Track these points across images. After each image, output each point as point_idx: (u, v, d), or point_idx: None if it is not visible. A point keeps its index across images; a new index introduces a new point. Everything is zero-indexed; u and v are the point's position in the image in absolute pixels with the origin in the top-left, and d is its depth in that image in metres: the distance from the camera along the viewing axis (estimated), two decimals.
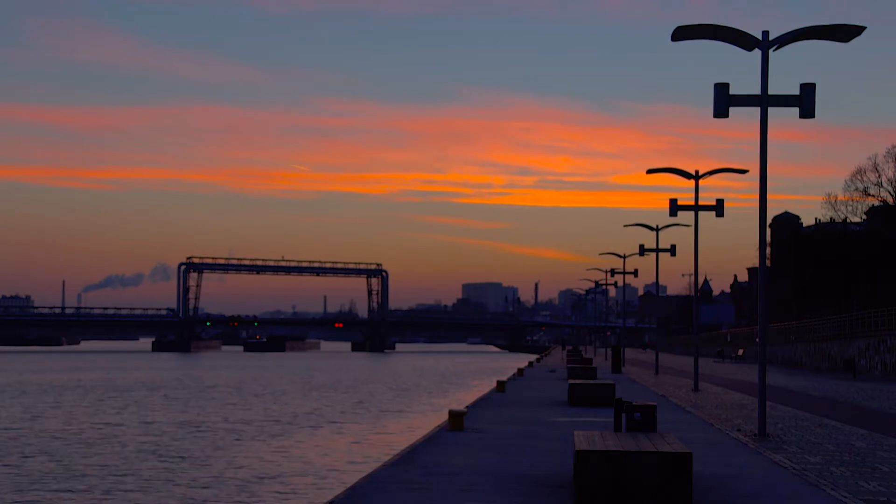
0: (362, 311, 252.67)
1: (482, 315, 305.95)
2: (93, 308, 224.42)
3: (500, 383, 36.56)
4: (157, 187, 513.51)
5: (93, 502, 21.48)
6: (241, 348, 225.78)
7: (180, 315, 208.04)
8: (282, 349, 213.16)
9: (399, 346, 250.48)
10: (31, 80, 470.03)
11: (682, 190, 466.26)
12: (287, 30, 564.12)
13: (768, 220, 67.48)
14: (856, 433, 19.98)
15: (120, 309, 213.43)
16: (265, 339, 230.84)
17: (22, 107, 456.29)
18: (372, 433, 36.90)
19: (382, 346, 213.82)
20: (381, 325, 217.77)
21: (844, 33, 18.55)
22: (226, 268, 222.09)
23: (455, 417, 20.46)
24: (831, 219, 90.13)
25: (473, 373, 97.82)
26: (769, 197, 20.07)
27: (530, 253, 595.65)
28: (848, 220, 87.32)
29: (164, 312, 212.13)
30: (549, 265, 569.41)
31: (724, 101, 19.05)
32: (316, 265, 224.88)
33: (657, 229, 50.39)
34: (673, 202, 35.09)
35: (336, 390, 65.80)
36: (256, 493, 22.44)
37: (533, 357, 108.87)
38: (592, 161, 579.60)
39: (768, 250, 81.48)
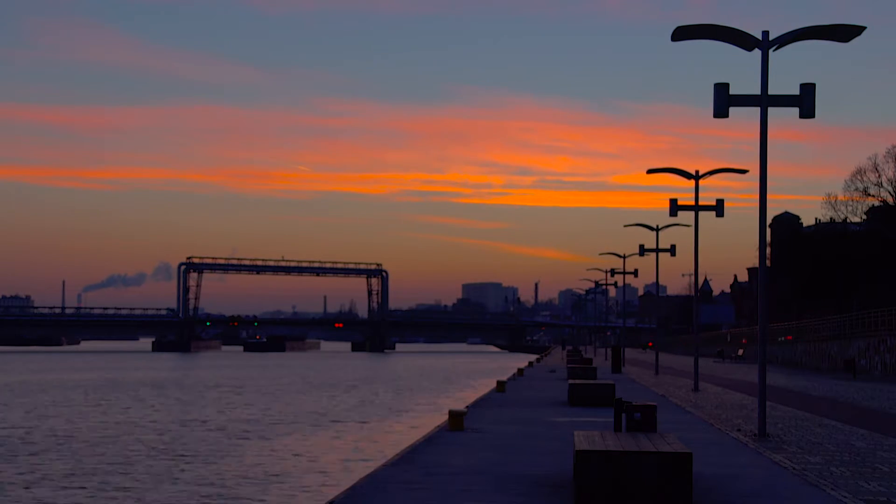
0: (362, 311, 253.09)
1: (482, 315, 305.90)
2: (93, 308, 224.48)
3: (500, 383, 36.57)
4: (157, 187, 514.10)
5: (92, 502, 21.49)
6: (241, 348, 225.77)
7: (180, 315, 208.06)
8: (282, 349, 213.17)
9: (399, 346, 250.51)
10: (31, 80, 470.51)
11: (682, 190, 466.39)
12: (287, 30, 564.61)
13: (768, 220, 67.51)
14: (856, 433, 19.98)
15: (120, 309, 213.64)
16: (265, 340, 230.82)
17: (22, 107, 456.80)
18: (372, 433, 36.90)
19: (382, 346, 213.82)
20: (381, 325, 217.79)
21: (844, 33, 18.55)
22: (226, 268, 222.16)
23: (455, 417, 20.46)
24: (831, 219, 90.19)
25: (473, 373, 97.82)
26: (769, 197, 20.09)
27: (530, 253, 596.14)
28: (848, 220, 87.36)
29: (164, 312, 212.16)
30: (549, 265, 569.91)
31: (724, 101, 19.06)
32: (316, 265, 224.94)
33: (657, 229, 50.40)
34: (673, 202, 35.10)
35: (336, 390, 65.79)
36: (256, 492, 22.43)
37: (533, 357, 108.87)
38: (592, 161, 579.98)
39: (768, 250, 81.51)
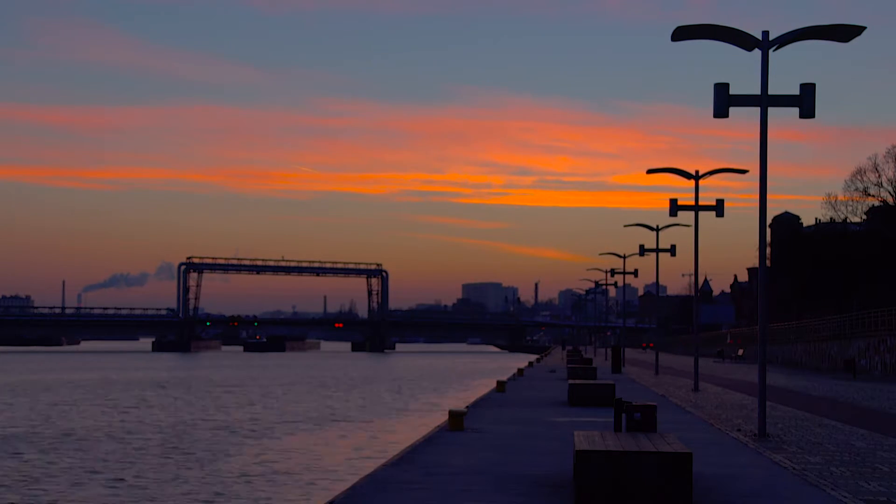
0: (362, 312, 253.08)
1: (482, 315, 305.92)
2: (93, 308, 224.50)
3: (500, 383, 36.57)
4: (157, 187, 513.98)
5: (90, 501, 21.50)
6: (241, 348, 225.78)
7: (180, 315, 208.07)
8: (282, 349, 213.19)
9: (399, 346, 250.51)
10: (31, 80, 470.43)
11: (682, 190, 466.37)
12: (287, 30, 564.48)
13: (768, 220, 67.50)
14: (856, 433, 19.98)
15: (120, 309, 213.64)
16: (265, 340, 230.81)
17: (22, 107, 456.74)
18: (372, 433, 36.90)
19: (382, 346, 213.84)
20: (381, 325, 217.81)
21: (844, 33, 18.55)
22: (226, 268, 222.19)
23: (455, 417, 20.46)
24: (831, 219, 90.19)
25: (473, 373, 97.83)
26: (769, 197, 20.09)
27: (530, 253, 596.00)
28: (848, 220, 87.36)
29: (164, 312, 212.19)
30: (549, 265, 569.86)
31: (724, 101, 19.06)
32: (316, 265, 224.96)
33: (657, 229, 50.40)
34: (673, 202, 35.11)
35: (336, 390, 65.80)
36: (256, 493, 22.44)
37: (533, 357, 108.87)
38: (592, 161, 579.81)
39: (768, 250, 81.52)
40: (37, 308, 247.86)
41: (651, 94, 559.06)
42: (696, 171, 35.20)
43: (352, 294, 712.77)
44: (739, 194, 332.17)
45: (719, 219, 35.04)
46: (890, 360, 52.22)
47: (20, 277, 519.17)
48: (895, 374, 51.10)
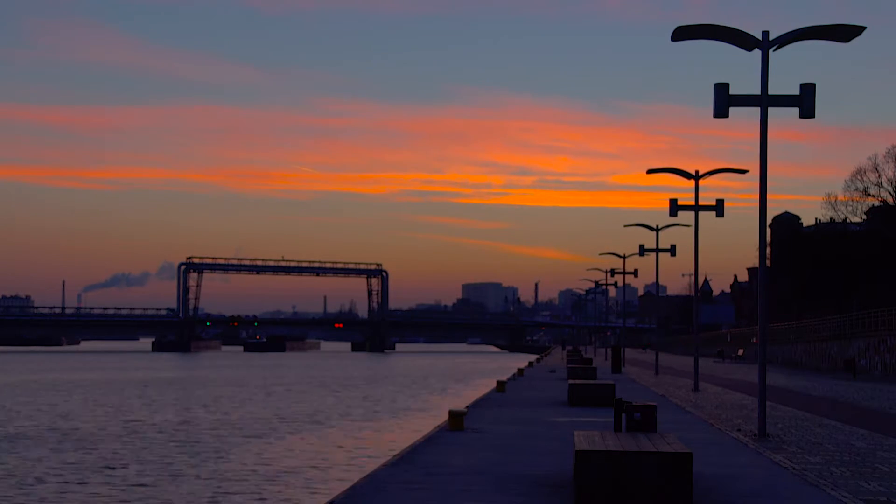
0: (362, 312, 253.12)
1: (482, 315, 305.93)
2: (93, 308, 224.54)
3: (500, 383, 36.57)
4: (157, 187, 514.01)
5: (89, 501, 21.51)
6: (241, 348, 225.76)
7: (180, 315, 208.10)
8: (282, 349, 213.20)
9: (399, 346, 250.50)
10: (31, 80, 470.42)
11: (682, 190, 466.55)
12: (287, 30, 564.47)
13: (768, 220, 67.53)
14: (856, 433, 19.98)
15: (120, 309, 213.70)
16: (265, 340, 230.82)
17: (22, 107, 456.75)
18: (372, 433, 36.91)
19: (382, 346, 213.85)
20: (381, 325, 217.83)
21: (844, 33, 18.55)
22: (226, 268, 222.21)
23: (455, 417, 20.46)
24: (831, 219, 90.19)
25: (473, 373, 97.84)
26: (769, 197, 20.09)
27: (530, 253, 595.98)
28: (848, 220, 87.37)
29: (164, 312, 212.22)
30: (549, 265, 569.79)
31: (724, 101, 19.06)
32: (316, 265, 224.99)
33: (657, 229, 50.40)
34: (673, 202, 35.11)
35: (336, 390, 65.81)
36: (256, 492, 22.44)
37: (533, 357, 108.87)
38: (592, 161, 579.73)
39: (768, 250, 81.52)
40: (37, 308, 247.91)
41: (651, 94, 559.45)
42: (696, 171, 35.21)
43: (352, 294, 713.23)
44: (739, 194, 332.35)
45: (719, 219, 35.06)
46: (890, 360, 52.22)
47: (20, 277, 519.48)
48: (895, 374, 51.10)
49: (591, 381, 30.49)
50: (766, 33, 19.02)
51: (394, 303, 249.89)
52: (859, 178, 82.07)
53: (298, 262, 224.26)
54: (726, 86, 19.06)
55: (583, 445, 11.63)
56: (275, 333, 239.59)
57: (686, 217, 43.09)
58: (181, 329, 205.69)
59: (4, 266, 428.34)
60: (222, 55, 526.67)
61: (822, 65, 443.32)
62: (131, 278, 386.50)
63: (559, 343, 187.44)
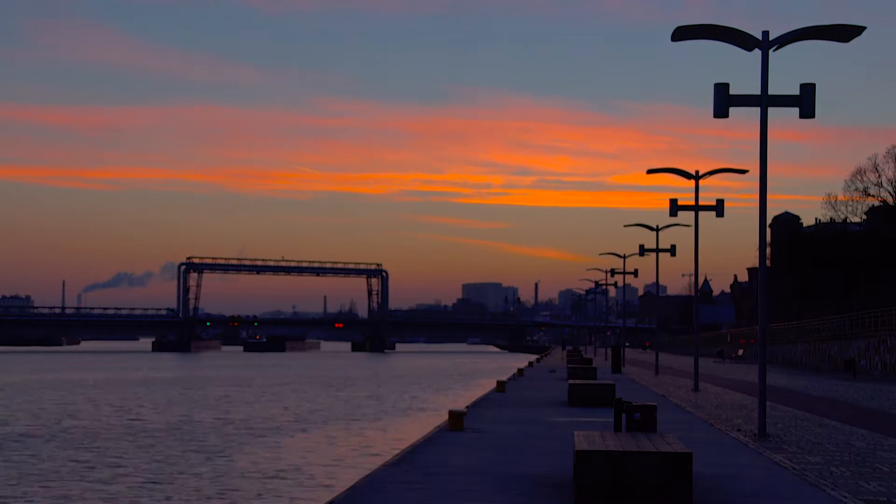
0: (362, 312, 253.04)
1: (482, 315, 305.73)
2: (93, 308, 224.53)
3: (500, 383, 36.57)
4: (157, 187, 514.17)
5: (91, 499, 21.52)
6: (241, 348, 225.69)
7: (180, 315, 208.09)
8: (282, 349, 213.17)
9: (399, 346, 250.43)
10: (31, 80, 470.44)
11: (682, 190, 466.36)
12: (287, 30, 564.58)
13: (768, 220, 67.49)
14: (856, 433, 19.98)
15: (120, 309, 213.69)
16: (265, 340, 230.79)
17: (22, 107, 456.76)
18: (372, 433, 36.90)
19: (382, 346, 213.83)
20: (381, 325, 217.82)
21: (844, 33, 18.55)
22: (226, 268, 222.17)
23: (455, 417, 20.46)
24: (831, 219, 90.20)
25: (473, 373, 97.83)
26: (769, 197, 20.09)
27: (530, 253, 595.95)
28: (848, 220, 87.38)
29: (164, 313, 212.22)
30: (549, 265, 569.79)
31: (724, 101, 19.06)
32: (316, 265, 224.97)
33: (657, 229, 50.40)
34: (673, 202, 35.12)
35: (336, 390, 65.81)
36: (256, 492, 22.44)
37: (533, 357, 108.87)
38: (591, 161, 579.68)
39: (768, 250, 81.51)
40: (37, 308, 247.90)
41: (651, 94, 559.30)
42: (696, 171, 35.21)
43: (352, 294, 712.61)
44: (739, 194, 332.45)
45: (719, 219, 35.07)
46: (890, 360, 52.21)
47: (20, 277, 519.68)
48: (895, 374, 51.10)
49: (591, 381, 30.49)
50: (766, 33, 19.02)
51: (394, 303, 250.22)
52: (859, 178, 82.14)
53: (298, 262, 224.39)
54: (726, 86, 19.06)
55: (583, 445, 11.63)
56: (275, 333, 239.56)
57: (686, 217, 43.11)
58: (181, 329, 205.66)
59: (4, 266, 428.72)
60: (222, 55, 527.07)
61: (822, 65, 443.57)
62: (133, 278, 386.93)
63: (559, 343, 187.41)
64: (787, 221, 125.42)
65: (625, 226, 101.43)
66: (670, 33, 18.96)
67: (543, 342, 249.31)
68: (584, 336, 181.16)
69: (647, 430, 14.80)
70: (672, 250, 51.01)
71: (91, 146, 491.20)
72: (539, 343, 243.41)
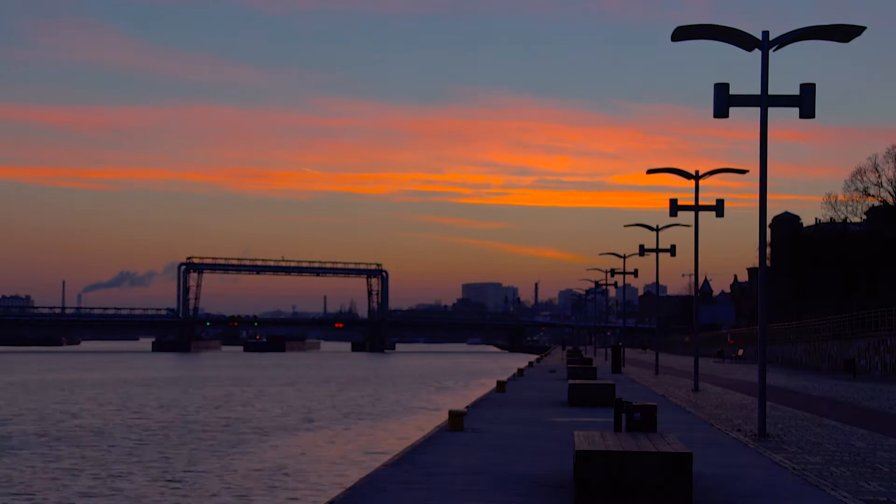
0: (362, 312, 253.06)
1: (482, 315, 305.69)
2: (93, 308, 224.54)
3: (500, 383, 36.54)
4: (157, 187, 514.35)
5: (91, 499, 21.52)
6: (241, 348, 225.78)
7: (180, 315, 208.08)
8: (282, 349, 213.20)
9: (399, 346, 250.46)
10: (31, 80, 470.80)
11: (682, 190, 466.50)
12: (287, 30, 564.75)
13: (768, 220, 67.46)
14: (856, 433, 19.98)
15: (120, 309, 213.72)
16: (265, 339, 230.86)
17: (22, 107, 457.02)
18: (372, 433, 36.90)
19: (382, 346, 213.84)
20: (381, 325, 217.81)
21: (844, 33, 18.55)
22: (226, 268, 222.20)
23: (455, 417, 20.45)
24: (831, 219, 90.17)
25: (473, 373, 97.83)
26: (769, 197, 20.07)
27: (530, 253, 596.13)
28: (848, 220, 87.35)
29: (164, 313, 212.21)
30: (549, 265, 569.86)
31: (724, 101, 19.05)
32: (316, 265, 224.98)
33: (657, 229, 50.38)
34: (673, 202, 35.10)
35: (336, 390, 65.81)
36: (256, 493, 22.43)
37: (533, 357, 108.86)
38: (591, 161, 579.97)
39: (768, 250, 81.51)
40: (37, 308, 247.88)
41: (651, 94, 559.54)
42: (696, 171, 35.19)
43: (352, 294, 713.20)
44: (739, 194, 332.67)
45: (719, 219, 35.04)
46: (890, 360, 52.20)
47: (20, 277, 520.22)
48: (895, 374, 51.09)
49: (591, 381, 30.48)
50: (766, 33, 19.01)
51: (394, 303, 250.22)
52: (859, 178, 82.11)
53: (298, 262, 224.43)
54: (726, 86, 19.06)
55: (583, 445, 11.63)
56: (275, 333, 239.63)
57: (686, 217, 43.09)
58: (181, 329, 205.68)
59: (4, 266, 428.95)
60: (222, 55, 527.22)
61: (822, 65, 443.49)
62: (136, 278, 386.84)
63: (559, 343, 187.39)
64: (787, 221, 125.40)
65: (625, 226, 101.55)
66: (670, 33, 18.95)
67: (543, 342, 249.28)
68: (584, 336, 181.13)
69: (647, 430, 14.79)
70: (672, 250, 50.99)
71: (91, 146, 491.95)
72: (539, 343, 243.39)
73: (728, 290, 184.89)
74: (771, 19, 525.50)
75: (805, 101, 18.89)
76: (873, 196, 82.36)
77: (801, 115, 18.96)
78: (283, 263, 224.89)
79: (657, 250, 51.25)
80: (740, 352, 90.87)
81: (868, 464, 15.07)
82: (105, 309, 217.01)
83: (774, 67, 19.04)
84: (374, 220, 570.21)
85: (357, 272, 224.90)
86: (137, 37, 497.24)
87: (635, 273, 73.09)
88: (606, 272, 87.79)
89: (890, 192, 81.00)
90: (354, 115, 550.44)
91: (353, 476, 21.31)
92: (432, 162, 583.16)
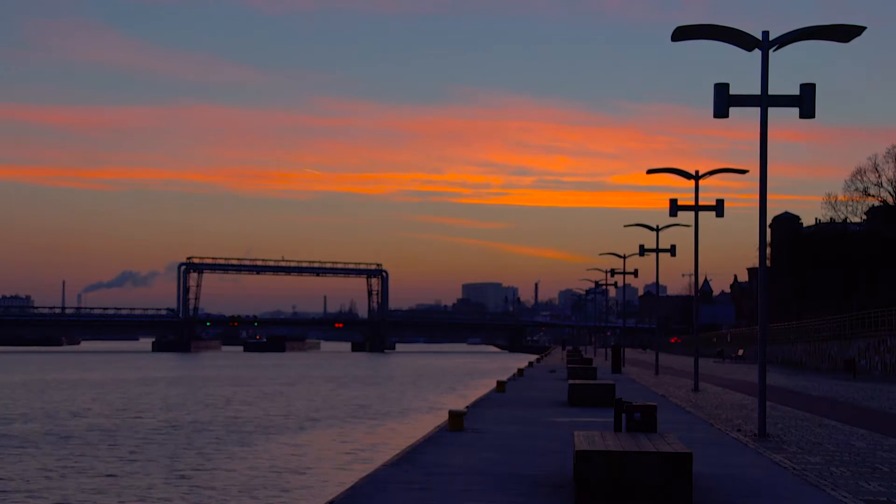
0: (362, 312, 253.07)
1: (482, 315, 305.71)
2: (93, 308, 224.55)
3: (500, 383, 36.54)
4: (157, 187, 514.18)
5: (93, 499, 21.52)
6: (241, 348, 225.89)
7: (180, 315, 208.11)
8: (282, 349, 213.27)
9: (399, 347, 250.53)
10: (31, 80, 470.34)
11: (682, 190, 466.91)
12: (286, 30, 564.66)
13: (768, 220, 67.47)
14: (856, 433, 19.98)
15: (120, 309, 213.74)
16: (265, 339, 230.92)
17: (22, 107, 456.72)
18: (372, 433, 36.91)
19: (382, 346, 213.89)
20: (381, 325, 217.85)
21: (844, 33, 18.55)
22: (226, 268, 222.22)
23: (455, 417, 20.45)
24: (831, 219, 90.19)
25: (473, 373, 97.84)
26: (769, 197, 20.07)
27: (530, 253, 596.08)
28: (848, 220, 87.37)
29: (164, 313, 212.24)
30: (549, 265, 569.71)
31: (724, 101, 19.05)
32: (316, 265, 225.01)
33: (657, 229, 50.39)
34: (673, 202, 35.10)
35: (336, 390, 65.81)
36: (255, 493, 22.44)
37: (533, 357, 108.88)
38: (591, 161, 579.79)
39: (768, 250, 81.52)
40: (37, 308, 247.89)
41: (650, 94, 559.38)
42: (696, 172, 35.19)
43: (352, 294, 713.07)
44: (739, 194, 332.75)
45: (719, 219, 35.05)
46: (890, 360, 52.21)
47: (20, 277, 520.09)
48: (895, 374, 51.10)
49: (591, 381, 30.47)
50: (766, 33, 19.01)
51: (394, 303, 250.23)
52: (859, 178, 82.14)
53: (298, 262, 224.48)
54: (726, 86, 19.06)
55: (583, 445, 11.63)
56: (275, 333, 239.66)
57: (686, 217, 43.10)
58: (181, 329, 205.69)
59: (4, 266, 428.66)
60: (222, 55, 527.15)
61: (822, 65, 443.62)
62: (138, 277, 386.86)
63: (559, 343, 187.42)
64: (787, 221, 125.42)
65: (625, 226, 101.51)
66: (670, 33, 18.95)
67: (543, 342, 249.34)
68: (584, 336, 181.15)
69: (647, 430, 14.79)
70: (672, 250, 51.00)
71: (91, 146, 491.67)
72: (539, 343, 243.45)
73: (728, 290, 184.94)
74: (771, 19, 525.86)
75: (805, 101, 18.89)
76: (873, 196, 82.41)
77: (801, 115, 18.96)
78: (283, 263, 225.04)
79: (657, 250, 51.25)
80: (740, 352, 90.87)
81: (868, 464, 15.07)
82: (105, 309, 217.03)
83: (774, 67, 19.06)
84: (374, 220, 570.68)
85: (357, 272, 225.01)
86: (137, 37, 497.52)
87: (635, 273, 73.10)
88: (606, 272, 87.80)
89: (890, 192, 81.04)
90: (354, 115, 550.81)
91: (354, 476, 21.31)
92: (432, 162, 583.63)
